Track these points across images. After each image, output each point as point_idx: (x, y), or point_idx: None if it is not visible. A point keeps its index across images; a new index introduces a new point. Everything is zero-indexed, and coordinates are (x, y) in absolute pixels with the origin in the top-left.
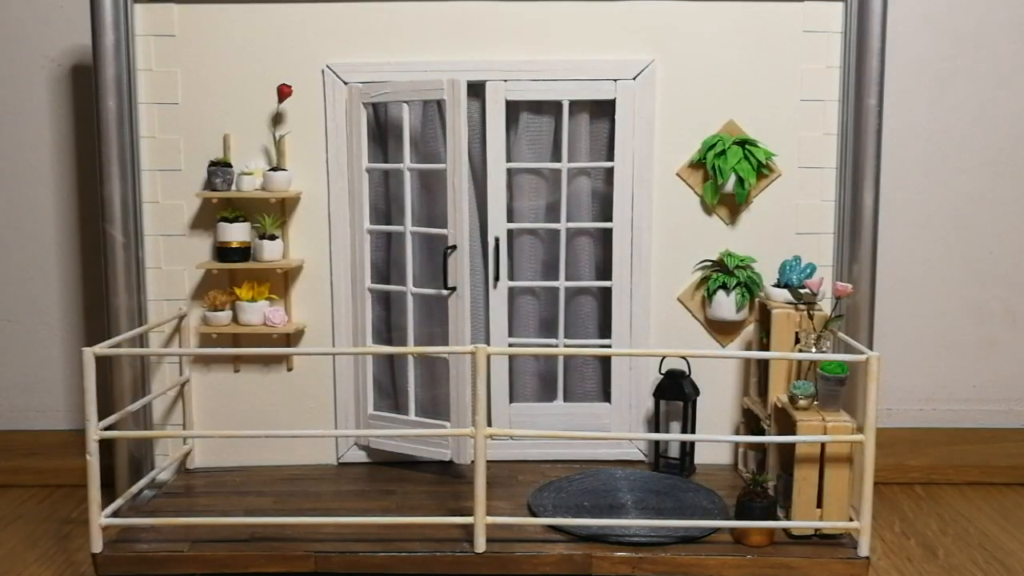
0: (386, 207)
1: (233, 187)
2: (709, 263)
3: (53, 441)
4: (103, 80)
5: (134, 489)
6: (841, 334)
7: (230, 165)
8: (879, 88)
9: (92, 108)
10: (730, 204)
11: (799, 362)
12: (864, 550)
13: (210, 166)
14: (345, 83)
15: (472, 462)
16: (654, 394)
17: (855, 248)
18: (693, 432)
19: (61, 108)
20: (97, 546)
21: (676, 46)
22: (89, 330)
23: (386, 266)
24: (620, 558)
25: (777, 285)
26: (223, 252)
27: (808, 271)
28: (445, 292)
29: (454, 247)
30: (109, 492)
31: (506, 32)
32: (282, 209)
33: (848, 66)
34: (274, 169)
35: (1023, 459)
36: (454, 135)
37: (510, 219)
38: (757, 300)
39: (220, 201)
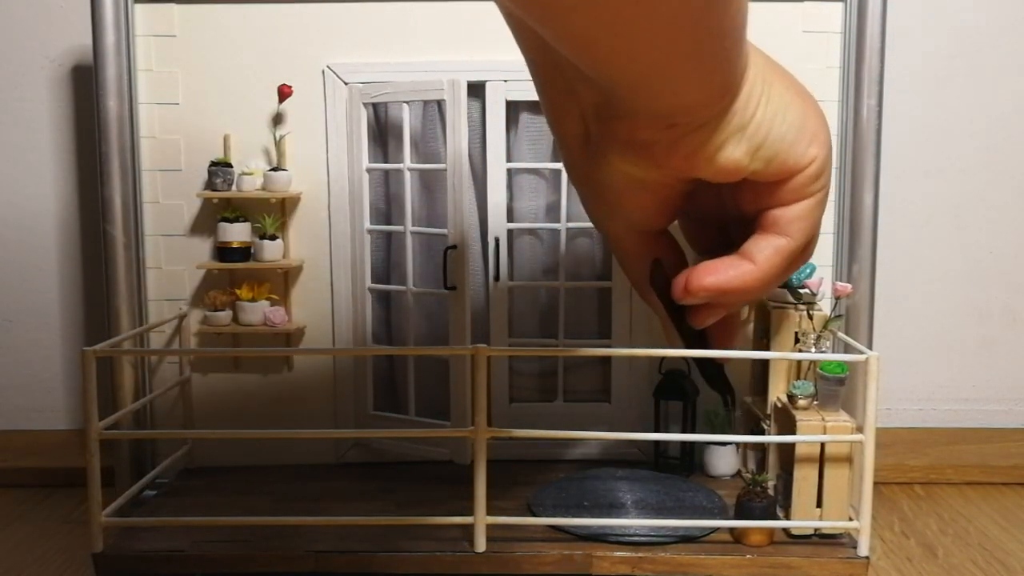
0: (386, 207)
1: (233, 187)
2: None
3: (53, 441)
4: (103, 80)
5: (134, 489)
6: (841, 334)
7: (230, 165)
8: (879, 88)
9: (92, 108)
10: None
11: (799, 362)
12: (864, 550)
13: (210, 166)
14: (345, 83)
15: (472, 462)
16: (654, 394)
17: (855, 248)
18: (693, 432)
19: (61, 108)
20: (97, 546)
21: None
22: (89, 330)
23: (386, 266)
24: (620, 558)
25: None
26: (223, 252)
27: (808, 271)
28: (445, 292)
29: (454, 247)
30: (109, 492)
31: (506, 32)
32: (282, 209)
33: (848, 66)
34: (274, 169)
35: (1023, 459)
36: (454, 135)
37: (510, 219)
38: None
39: (220, 201)
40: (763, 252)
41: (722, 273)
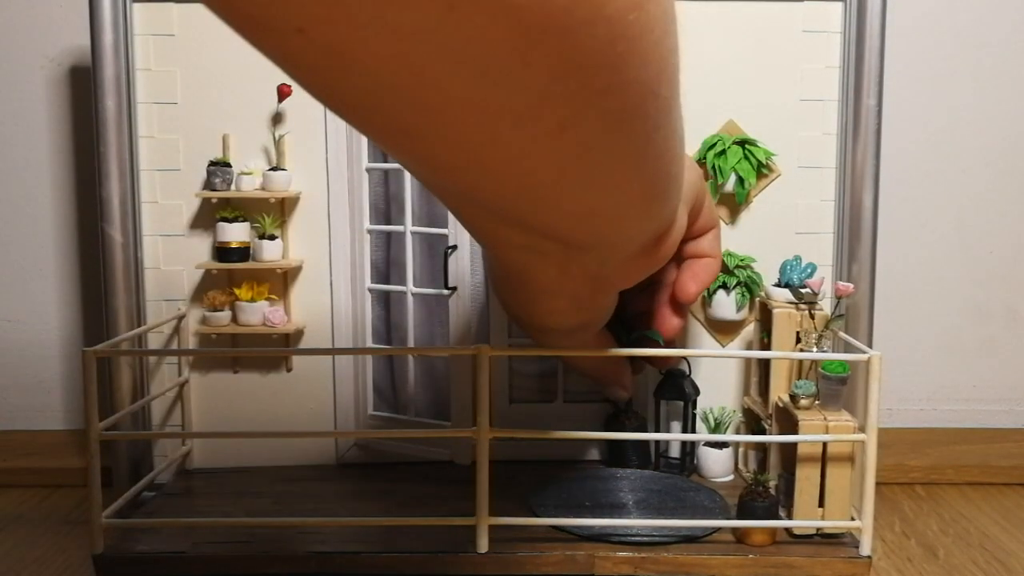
0: (386, 207)
1: (232, 187)
2: None
3: (53, 441)
4: (102, 80)
5: (134, 490)
6: (842, 333)
7: (229, 165)
8: (879, 88)
9: (90, 108)
10: (730, 204)
11: (800, 362)
12: (866, 549)
13: (209, 166)
14: None
15: (473, 463)
16: (654, 394)
17: (855, 248)
18: (693, 432)
19: (59, 108)
20: (97, 546)
21: None
22: (88, 330)
23: (386, 266)
24: (622, 558)
25: (778, 285)
26: (222, 252)
27: (809, 271)
28: (445, 292)
29: (454, 247)
30: (108, 492)
31: None
32: (282, 209)
33: (848, 66)
34: (274, 169)
35: (1023, 459)
36: None
37: None
38: (757, 300)
39: (219, 201)
40: (709, 242)
41: (700, 276)
